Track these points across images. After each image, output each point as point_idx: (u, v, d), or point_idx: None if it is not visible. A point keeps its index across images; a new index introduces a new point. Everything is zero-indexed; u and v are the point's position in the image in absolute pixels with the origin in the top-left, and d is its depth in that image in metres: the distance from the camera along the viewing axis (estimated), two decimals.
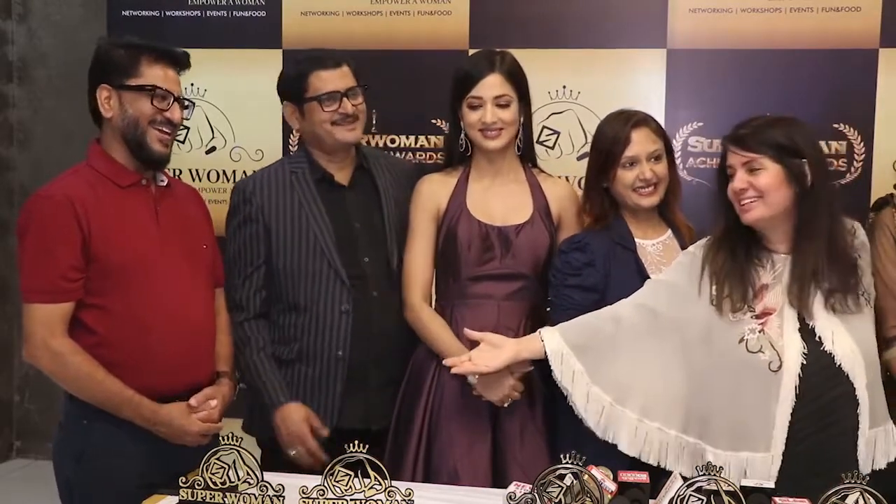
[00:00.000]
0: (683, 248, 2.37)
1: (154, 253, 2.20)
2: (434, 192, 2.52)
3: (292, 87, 2.50)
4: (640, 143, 2.33)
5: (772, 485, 1.87)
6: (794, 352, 2.01)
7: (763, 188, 2.04)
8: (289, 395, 2.44)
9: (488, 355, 2.21)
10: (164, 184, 2.31)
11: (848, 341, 2.02)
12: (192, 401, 2.21)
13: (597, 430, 2.15)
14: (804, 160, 2.04)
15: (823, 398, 2.00)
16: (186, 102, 2.28)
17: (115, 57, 2.21)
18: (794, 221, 2.08)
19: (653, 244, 2.39)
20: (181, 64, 2.27)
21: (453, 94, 2.47)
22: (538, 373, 2.40)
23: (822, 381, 2.00)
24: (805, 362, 2.00)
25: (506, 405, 2.37)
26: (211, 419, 2.23)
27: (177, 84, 2.25)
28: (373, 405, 2.50)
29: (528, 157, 2.57)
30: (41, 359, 2.13)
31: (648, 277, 2.30)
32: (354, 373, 2.47)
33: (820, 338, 2.02)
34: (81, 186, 2.16)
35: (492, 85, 2.41)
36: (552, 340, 2.19)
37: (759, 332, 2.03)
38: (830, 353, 2.01)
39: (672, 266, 2.25)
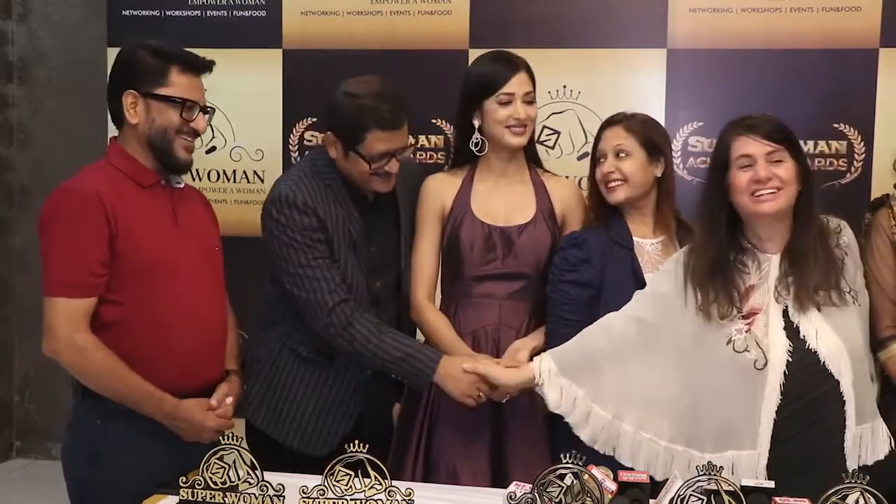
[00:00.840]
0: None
1: (173, 253, 2.21)
2: (440, 191, 2.52)
3: (345, 129, 2.34)
4: (608, 139, 2.39)
5: (772, 484, 1.87)
6: (779, 349, 2.02)
7: (786, 179, 2.05)
8: (436, 350, 2.37)
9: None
10: (181, 186, 2.32)
11: (833, 339, 2.03)
12: (213, 401, 2.24)
13: (593, 444, 2.16)
14: (805, 159, 2.07)
15: (809, 396, 2.01)
16: (208, 108, 2.28)
17: (144, 63, 2.20)
18: (790, 221, 2.09)
19: (652, 244, 2.40)
20: (206, 70, 2.27)
21: (475, 92, 2.45)
22: None
23: (807, 378, 2.01)
24: (790, 360, 2.01)
25: (504, 401, 2.38)
26: (226, 416, 2.26)
27: (202, 92, 2.26)
28: (373, 418, 2.50)
29: (532, 158, 2.58)
30: (64, 353, 2.12)
31: (643, 276, 2.32)
32: (371, 385, 2.47)
33: (804, 336, 2.03)
34: (106, 183, 2.16)
35: (522, 82, 2.44)
36: (548, 373, 2.19)
37: (746, 331, 2.04)
38: (815, 351, 2.02)
39: (658, 274, 2.26)
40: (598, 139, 2.43)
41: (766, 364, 2.01)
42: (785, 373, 2.00)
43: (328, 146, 2.40)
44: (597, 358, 2.18)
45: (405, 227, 2.51)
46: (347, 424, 2.45)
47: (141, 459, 2.15)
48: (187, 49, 2.29)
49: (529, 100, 2.45)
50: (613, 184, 2.37)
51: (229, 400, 2.28)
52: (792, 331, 2.04)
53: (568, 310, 2.32)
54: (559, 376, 2.19)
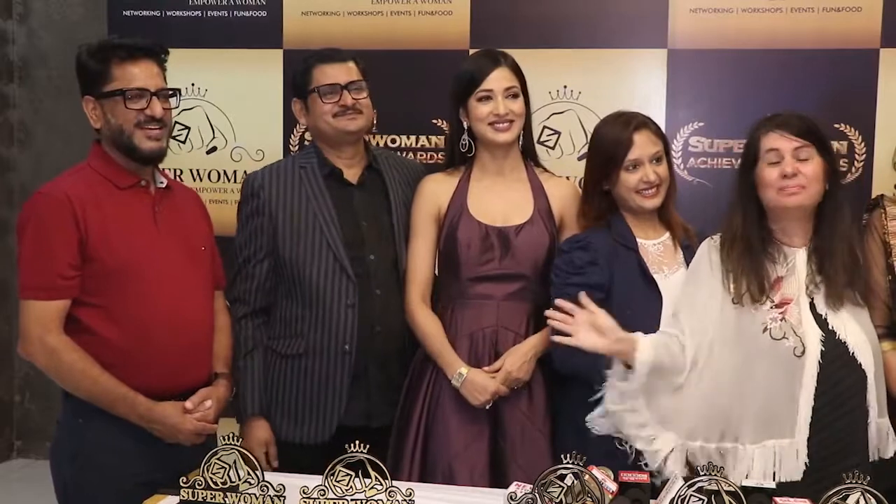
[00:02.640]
0: (682, 247, 2.38)
1: (152, 254, 2.20)
2: (435, 192, 2.52)
3: (298, 82, 2.55)
4: (642, 145, 2.34)
5: (772, 485, 1.87)
6: (813, 338, 2.05)
7: (811, 177, 2.08)
8: (261, 407, 2.46)
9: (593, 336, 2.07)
10: (164, 185, 2.30)
11: (859, 331, 2.08)
12: (188, 403, 2.21)
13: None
14: (834, 159, 2.12)
15: (840, 385, 2.04)
16: (171, 91, 2.24)
17: (87, 65, 2.20)
18: (814, 218, 2.13)
19: (654, 244, 2.39)
20: (155, 55, 2.23)
21: (458, 92, 2.47)
22: (540, 373, 2.41)
23: (838, 368, 2.05)
24: (823, 349, 2.04)
25: (487, 408, 2.38)
26: (206, 419, 2.23)
27: (154, 77, 2.20)
28: (375, 403, 2.50)
29: (529, 155, 2.57)
30: (36, 355, 2.13)
31: (651, 277, 2.32)
32: (358, 370, 2.47)
33: (833, 328, 2.07)
34: (80, 186, 2.16)
35: (501, 77, 2.43)
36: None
37: (781, 319, 2.07)
38: (844, 342, 2.06)
39: (689, 277, 2.24)
40: (626, 145, 2.32)
41: (804, 351, 2.03)
42: (819, 362, 2.03)
43: (297, 115, 2.60)
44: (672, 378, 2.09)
45: (397, 207, 2.55)
46: (339, 408, 2.46)
47: (121, 459, 2.16)
48: (187, 49, 2.28)
49: (512, 94, 2.44)
50: (652, 190, 2.35)
51: (208, 403, 2.24)
52: (821, 322, 2.08)
53: None
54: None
